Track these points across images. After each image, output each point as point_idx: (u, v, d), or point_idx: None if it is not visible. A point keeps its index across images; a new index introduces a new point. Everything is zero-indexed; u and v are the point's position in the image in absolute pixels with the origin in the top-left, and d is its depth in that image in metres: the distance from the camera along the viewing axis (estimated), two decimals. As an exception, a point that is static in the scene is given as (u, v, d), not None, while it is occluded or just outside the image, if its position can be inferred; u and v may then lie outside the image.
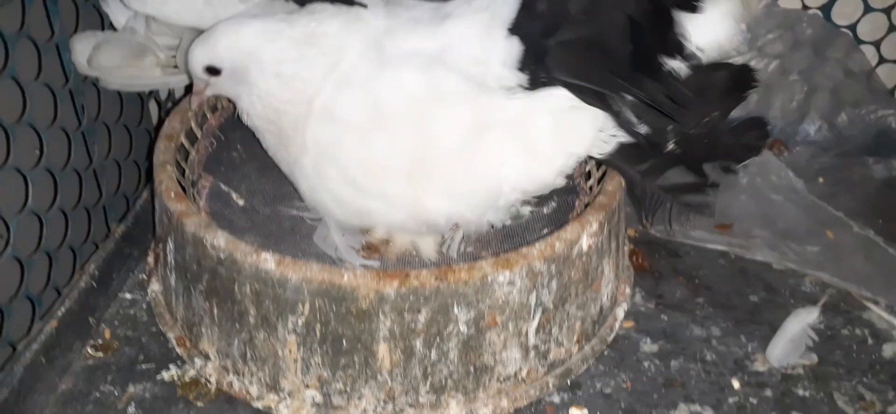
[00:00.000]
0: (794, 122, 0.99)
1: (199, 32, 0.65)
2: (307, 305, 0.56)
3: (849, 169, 0.93)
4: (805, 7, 0.94)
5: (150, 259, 0.72)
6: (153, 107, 0.89)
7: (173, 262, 0.63)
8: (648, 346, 0.68)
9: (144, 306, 0.70)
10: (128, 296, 0.71)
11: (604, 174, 0.69)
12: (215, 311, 0.60)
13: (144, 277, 0.72)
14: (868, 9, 0.95)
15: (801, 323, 0.70)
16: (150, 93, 0.87)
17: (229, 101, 0.73)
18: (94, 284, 0.68)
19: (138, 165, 0.83)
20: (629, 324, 0.70)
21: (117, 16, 0.75)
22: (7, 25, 0.61)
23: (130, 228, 0.74)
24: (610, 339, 0.68)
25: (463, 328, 0.57)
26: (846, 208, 0.85)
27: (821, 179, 0.91)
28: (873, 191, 0.90)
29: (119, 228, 0.74)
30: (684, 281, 0.76)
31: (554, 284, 0.60)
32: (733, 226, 0.82)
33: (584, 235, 0.60)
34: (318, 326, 0.57)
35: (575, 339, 0.64)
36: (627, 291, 0.72)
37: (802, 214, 0.84)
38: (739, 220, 0.83)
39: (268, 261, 0.55)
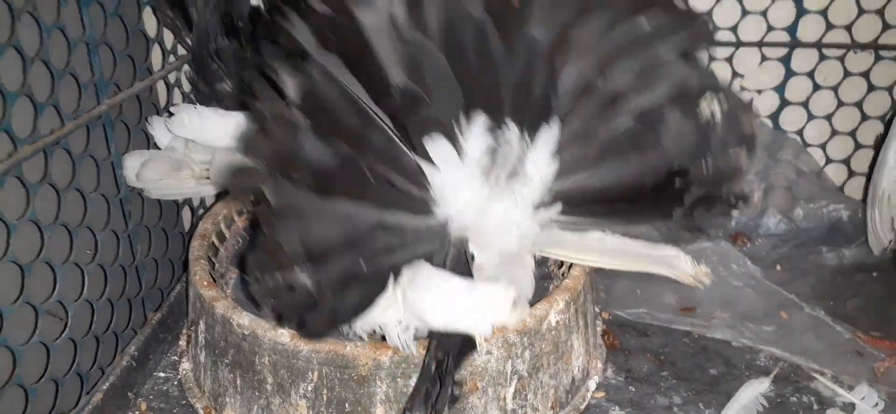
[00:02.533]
0: (755, 218, 1.10)
1: (229, 150, 0.78)
2: (316, 373, 0.66)
3: (804, 258, 1.03)
4: (755, 115, 1.07)
5: (182, 342, 0.83)
6: (186, 213, 1.02)
7: (204, 340, 0.74)
8: (617, 413, 0.77)
9: (176, 383, 0.80)
10: (162, 374, 0.82)
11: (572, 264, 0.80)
12: (238, 381, 0.70)
13: (176, 358, 0.83)
14: (811, 116, 1.08)
15: (753, 392, 0.79)
16: (185, 201, 1.01)
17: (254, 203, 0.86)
18: (134, 364, 0.79)
19: (173, 263, 0.96)
20: (600, 394, 0.79)
21: (161, 138, 0.89)
22: (74, 146, 0.75)
23: (165, 316, 0.86)
24: (582, 407, 0.77)
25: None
26: (800, 292, 0.95)
27: (778, 267, 1.01)
28: (826, 277, 1.00)
29: (155, 315, 0.85)
30: (651, 357, 0.85)
31: (527, 354, 0.70)
32: (696, 309, 0.92)
33: (552, 311, 0.71)
34: (324, 392, 0.67)
35: (549, 405, 0.74)
36: (599, 365, 0.82)
37: (759, 297, 0.94)
38: (702, 304, 0.93)
39: (283, 335, 0.66)
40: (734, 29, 1.03)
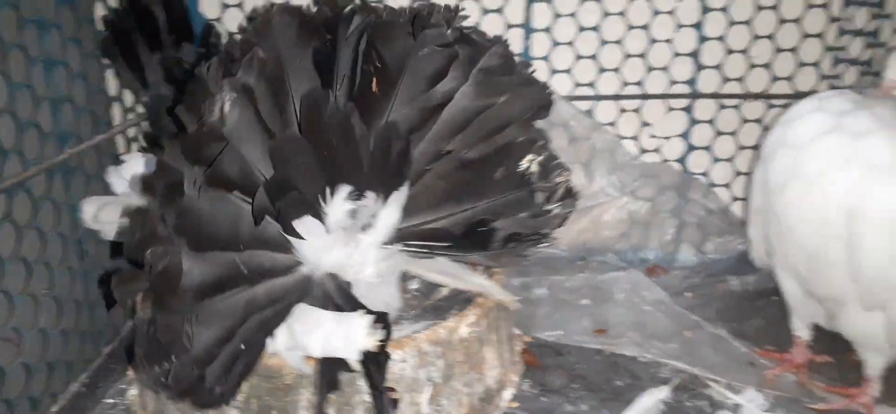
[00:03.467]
0: (671, 252, 1.20)
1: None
2: (246, 384, 0.73)
3: (713, 286, 1.13)
4: (665, 160, 1.19)
5: (130, 373, 0.90)
6: (142, 257, 1.10)
7: (148, 361, 0.81)
8: (528, 420, 0.85)
9: (122, 408, 0.87)
10: (110, 401, 0.88)
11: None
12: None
13: (125, 386, 0.89)
14: (716, 159, 1.19)
15: (653, 398, 0.87)
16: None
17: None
18: (84, 390, 0.85)
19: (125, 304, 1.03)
20: (515, 404, 0.87)
21: (118, 185, 0.97)
22: (36, 189, 0.83)
23: (116, 349, 0.93)
24: (497, 414, 0.85)
25: (367, 398, 0.75)
26: (706, 315, 1.04)
27: (688, 294, 1.11)
28: (731, 302, 1.10)
29: (107, 348, 0.92)
30: (564, 372, 0.93)
31: (440, 362, 0.78)
32: (609, 330, 1.01)
33: (462, 324, 0.79)
34: (254, 401, 0.74)
35: (464, 411, 0.81)
36: (515, 378, 0.89)
37: (667, 319, 1.03)
38: (614, 326, 1.02)
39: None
40: (641, 83, 1.16)
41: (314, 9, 0.74)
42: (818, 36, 1.11)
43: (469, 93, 0.72)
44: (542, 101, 0.76)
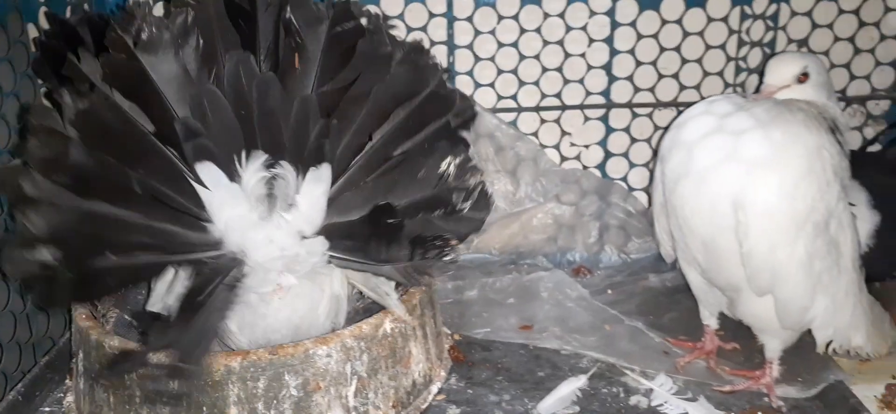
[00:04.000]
0: (595, 254, 1.27)
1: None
2: (176, 382, 0.77)
3: (634, 283, 1.19)
4: (585, 167, 1.27)
5: (68, 381, 0.92)
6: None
7: (83, 367, 0.83)
8: (454, 410, 0.90)
9: (59, 416, 0.89)
10: (47, 409, 0.89)
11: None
12: (111, 399, 0.80)
13: (62, 394, 0.91)
14: (632, 165, 1.27)
15: (570, 386, 0.92)
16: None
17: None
18: (20, 398, 0.87)
19: (64, 315, 1.05)
20: (442, 397, 0.92)
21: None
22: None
23: (53, 359, 0.95)
24: (423, 407, 0.89)
25: (294, 392, 0.78)
26: (625, 310, 1.10)
27: (609, 291, 1.17)
28: (649, 297, 1.16)
29: (44, 358, 0.94)
30: (490, 366, 0.98)
31: (365, 357, 0.82)
32: (533, 326, 1.06)
33: (386, 320, 0.84)
34: (184, 398, 0.77)
35: (391, 404, 0.85)
36: (443, 374, 0.94)
37: (588, 314, 1.09)
38: (539, 322, 1.07)
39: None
40: (559, 95, 1.23)
41: None
42: (721, 47, 1.20)
43: (394, 83, 0.76)
44: (466, 111, 0.81)
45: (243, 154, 0.72)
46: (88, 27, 1.02)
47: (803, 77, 0.90)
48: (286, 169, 0.73)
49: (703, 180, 0.84)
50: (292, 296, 0.80)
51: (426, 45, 1.18)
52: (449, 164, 0.79)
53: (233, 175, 0.72)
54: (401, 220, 0.77)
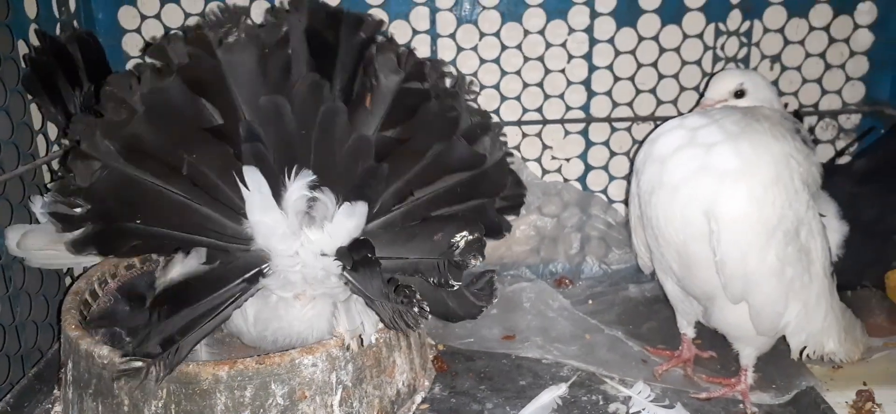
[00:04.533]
0: (577, 264, 1.29)
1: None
2: (165, 391, 0.78)
3: (614, 293, 1.22)
4: (565, 180, 1.30)
5: (56, 391, 0.93)
6: (68, 281, 1.13)
7: (72, 377, 0.85)
8: (437, 419, 0.92)
9: (48, 426, 0.90)
10: (35, 420, 0.91)
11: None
12: (100, 408, 0.81)
13: (50, 405, 0.92)
14: (612, 177, 1.30)
15: (551, 394, 0.94)
16: (68, 270, 1.12)
17: (127, 269, 1.00)
18: (9, 410, 0.88)
19: (53, 327, 1.06)
20: (425, 406, 0.94)
21: (42, 215, 1.02)
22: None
23: (42, 370, 0.96)
24: (407, 416, 0.91)
25: (280, 401, 0.80)
26: (606, 319, 1.13)
27: (590, 302, 1.20)
28: (630, 307, 1.19)
29: (32, 370, 0.95)
30: (473, 376, 1.00)
31: (350, 367, 0.84)
32: (516, 336, 1.09)
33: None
34: (173, 406, 0.79)
35: (375, 413, 0.87)
36: (427, 383, 0.96)
37: (569, 324, 1.11)
38: (522, 331, 1.10)
39: (136, 361, 0.79)
40: (540, 110, 1.26)
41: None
42: (696, 63, 1.24)
43: (453, 152, 0.80)
44: (516, 197, 0.88)
45: (294, 169, 0.76)
46: (78, 45, 1.04)
47: (740, 93, 0.95)
48: (327, 195, 0.77)
49: (676, 191, 0.86)
50: (311, 305, 0.83)
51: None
52: (463, 238, 0.80)
53: (278, 185, 0.76)
54: (375, 257, 0.78)
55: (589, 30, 1.21)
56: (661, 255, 0.93)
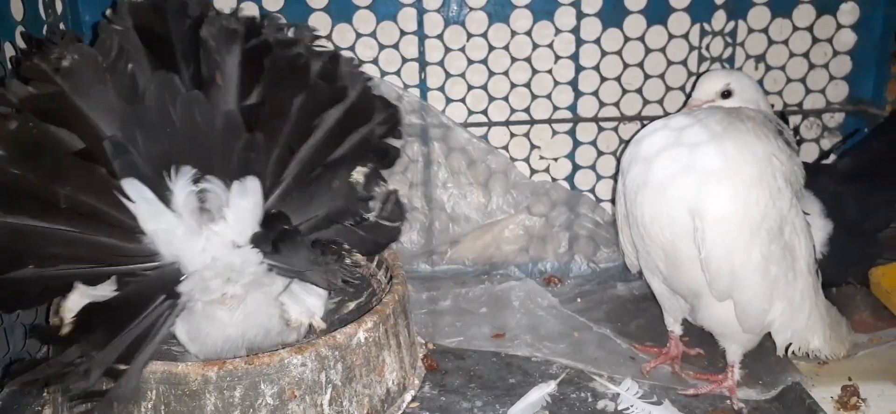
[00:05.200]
0: (566, 263, 1.31)
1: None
2: (154, 392, 0.78)
3: (602, 291, 1.23)
4: (554, 179, 1.30)
5: (45, 395, 0.93)
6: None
7: (59, 381, 0.84)
8: (427, 417, 0.93)
9: (36, 430, 0.90)
10: (23, 423, 0.91)
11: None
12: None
13: (39, 408, 0.92)
14: (599, 177, 1.31)
15: (540, 392, 0.95)
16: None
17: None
18: (-3, 414, 0.88)
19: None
20: (415, 404, 0.94)
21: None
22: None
23: (30, 374, 0.95)
24: (397, 414, 0.92)
25: (270, 401, 0.80)
26: (594, 317, 1.14)
27: (579, 300, 1.21)
28: (618, 305, 1.20)
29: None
30: (463, 374, 1.01)
31: (340, 366, 0.84)
32: (505, 334, 1.09)
33: (360, 330, 0.86)
34: (162, 407, 0.79)
35: (365, 412, 0.88)
36: (416, 382, 0.97)
37: (558, 322, 1.12)
38: (511, 330, 1.10)
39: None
40: (527, 110, 1.27)
41: None
42: (682, 63, 1.25)
43: (314, 96, 0.79)
44: (391, 118, 0.86)
45: (173, 169, 0.75)
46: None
47: (726, 93, 0.96)
48: (214, 183, 0.76)
49: (662, 191, 0.87)
50: (242, 305, 0.82)
51: (398, 60, 1.22)
52: (360, 174, 0.82)
53: (162, 189, 0.75)
54: (294, 227, 0.79)
55: (575, 31, 1.22)
56: (648, 253, 0.94)
